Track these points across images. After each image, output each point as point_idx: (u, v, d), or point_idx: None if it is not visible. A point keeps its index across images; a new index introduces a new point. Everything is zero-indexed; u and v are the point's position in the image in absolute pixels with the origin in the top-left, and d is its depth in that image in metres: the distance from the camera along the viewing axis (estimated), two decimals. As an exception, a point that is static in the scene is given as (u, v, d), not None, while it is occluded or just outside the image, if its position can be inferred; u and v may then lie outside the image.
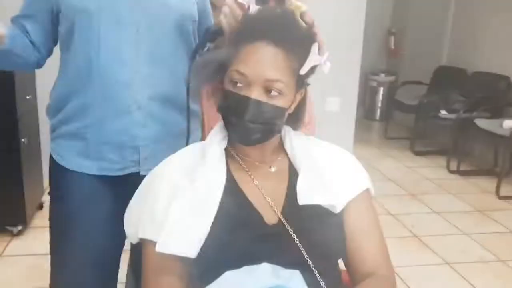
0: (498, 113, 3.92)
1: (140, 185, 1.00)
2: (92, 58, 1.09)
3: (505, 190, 3.44)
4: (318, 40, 0.91)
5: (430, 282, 2.32)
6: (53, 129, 1.21)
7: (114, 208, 1.14)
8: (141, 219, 0.93)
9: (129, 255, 1.34)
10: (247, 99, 0.87)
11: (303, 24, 0.91)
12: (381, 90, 5.69)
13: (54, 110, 1.19)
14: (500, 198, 3.39)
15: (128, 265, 1.41)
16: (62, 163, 1.19)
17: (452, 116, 4.00)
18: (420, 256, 2.56)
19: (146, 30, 1.10)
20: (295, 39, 0.89)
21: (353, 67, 3.70)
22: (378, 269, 0.93)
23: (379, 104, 5.75)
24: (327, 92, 3.65)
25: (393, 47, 5.72)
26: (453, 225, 2.94)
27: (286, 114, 0.94)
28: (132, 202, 0.99)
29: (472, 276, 2.36)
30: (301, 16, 0.92)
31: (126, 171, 1.17)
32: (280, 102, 0.89)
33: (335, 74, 3.80)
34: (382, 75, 5.70)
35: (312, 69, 0.92)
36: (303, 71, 0.90)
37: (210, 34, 1.06)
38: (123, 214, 0.99)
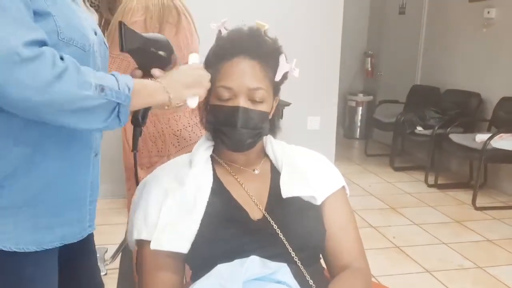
0: (470, 128, 4.10)
1: (134, 195, 1.08)
2: None
3: (480, 202, 3.58)
4: (283, 51, 1.05)
5: (412, 289, 2.41)
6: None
7: None
8: (135, 223, 1.01)
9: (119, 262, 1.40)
10: (236, 108, 0.97)
11: (269, 39, 1.04)
12: (360, 110, 5.87)
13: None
14: (477, 209, 3.52)
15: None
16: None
17: (428, 132, 4.17)
18: (402, 266, 2.64)
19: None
20: (266, 51, 1.02)
21: (332, 87, 3.85)
22: (354, 262, 1.02)
23: (359, 123, 5.91)
24: (308, 111, 3.80)
25: (369, 69, 5.93)
26: (433, 236, 3.04)
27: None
28: (130, 211, 1.08)
29: (452, 283, 2.45)
30: (265, 33, 1.05)
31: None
32: (263, 107, 1.01)
33: (315, 94, 4.00)
34: (361, 95, 5.88)
35: (285, 76, 1.04)
36: (277, 77, 1.02)
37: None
38: None
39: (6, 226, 0.86)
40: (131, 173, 1.53)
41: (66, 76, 0.77)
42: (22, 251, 0.87)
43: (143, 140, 1.46)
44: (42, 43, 0.78)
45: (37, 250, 0.89)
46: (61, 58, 0.78)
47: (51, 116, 0.79)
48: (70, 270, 1.05)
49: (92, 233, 1.09)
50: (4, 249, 0.85)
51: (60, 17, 0.85)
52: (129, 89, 0.85)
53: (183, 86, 0.95)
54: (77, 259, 1.06)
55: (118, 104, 0.83)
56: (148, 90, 0.91)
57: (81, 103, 0.79)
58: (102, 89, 0.81)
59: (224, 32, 1.05)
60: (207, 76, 0.98)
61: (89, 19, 0.99)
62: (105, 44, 1.05)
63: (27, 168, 0.87)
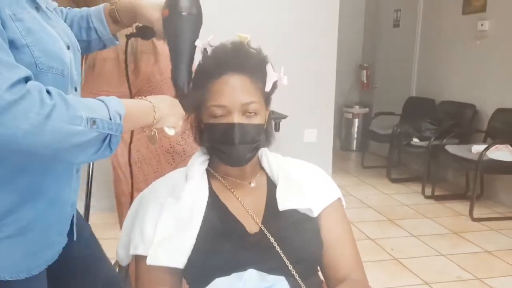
0: (466, 139, 4.12)
1: (129, 210, 1.08)
2: None
3: (477, 213, 3.58)
4: (269, 60, 1.04)
5: (411, 302, 2.39)
6: None
7: None
8: (132, 238, 1.00)
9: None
10: (232, 125, 0.97)
11: (253, 50, 1.04)
12: (356, 122, 5.89)
13: None
14: (474, 220, 3.52)
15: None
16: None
17: (424, 143, 4.18)
18: (401, 278, 2.63)
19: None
20: (253, 64, 1.01)
21: (328, 100, 3.88)
22: (352, 274, 1.01)
23: (355, 135, 5.94)
24: (305, 124, 3.81)
25: (365, 81, 5.97)
26: (431, 247, 3.03)
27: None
28: (123, 225, 1.08)
29: (451, 295, 2.45)
30: (248, 44, 1.05)
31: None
32: (257, 120, 1.01)
33: (312, 107, 4.02)
34: (357, 107, 5.92)
35: (274, 85, 1.04)
36: (267, 88, 1.02)
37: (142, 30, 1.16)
38: None
39: (0, 257, 0.86)
40: (125, 204, 1.48)
41: (56, 113, 0.73)
42: (15, 279, 0.87)
43: (137, 165, 1.44)
44: (27, 79, 0.73)
45: (27, 276, 0.89)
46: (48, 92, 0.74)
47: (42, 155, 0.76)
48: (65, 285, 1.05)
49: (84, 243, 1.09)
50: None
51: (37, 46, 0.81)
52: (120, 116, 0.81)
53: (168, 111, 0.93)
54: (67, 274, 1.05)
55: (110, 134, 0.80)
56: (138, 112, 0.88)
57: (74, 140, 0.75)
58: (94, 122, 0.77)
59: (209, 50, 1.04)
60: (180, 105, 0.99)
61: (61, 32, 0.94)
62: (78, 50, 1.01)
63: (21, 200, 0.86)
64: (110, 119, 0.80)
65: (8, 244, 0.86)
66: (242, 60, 1.00)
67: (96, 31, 1.12)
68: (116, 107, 0.82)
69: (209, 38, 1.05)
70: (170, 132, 0.96)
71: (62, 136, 0.74)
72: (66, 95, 0.77)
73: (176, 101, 0.98)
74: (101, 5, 1.13)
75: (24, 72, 0.73)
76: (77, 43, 1.02)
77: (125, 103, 0.85)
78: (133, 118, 0.87)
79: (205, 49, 1.04)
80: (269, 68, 1.02)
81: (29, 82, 0.73)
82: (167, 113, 0.93)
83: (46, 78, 0.82)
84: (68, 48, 0.93)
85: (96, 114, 0.78)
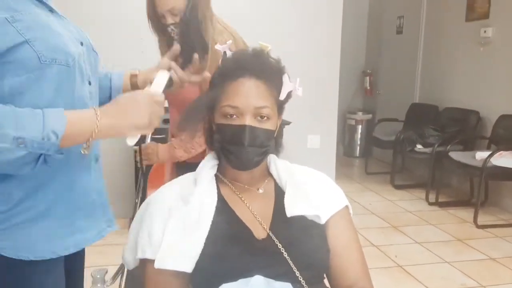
0: (470, 146, 4.12)
1: (136, 213, 1.08)
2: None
3: (482, 220, 3.57)
4: (286, 71, 1.06)
5: (416, 309, 2.38)
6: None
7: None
8: (139, 242, 1.00)
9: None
10: (243, 127, 0.99)
11: (272, 59, 1.06)
12: (360, 128, 5.90)
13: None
14: (478, 227, 3.51)
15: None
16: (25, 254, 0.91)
17: (428, 150, 4.18)
18: (405, 285, 2.62)
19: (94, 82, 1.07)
20: (271, 71, 1.03)
21: (331, 106, 3.89)
22: (358, 282, 1.01)
23: (358, 142, 5.94)
24: (308, 130, 3.81)
25: (368, 87, 5.98)
26: (435, 254, 3.02)
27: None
28: (130, 229, 1.08)
29: (456, 302, 2.44)
30: (268, 53, 1.07)
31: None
32: (268, 125, 1.02)
33: (315, 113, 4.02)
34: (360, 113, 5.92)
35: (289, 95, 1.05)
36: (282, 96, 1.03)
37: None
38: None
39: (21, 238, 0.90)
40: None
41: None
42: (40, 259, 0.92)
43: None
44: None
45: (53, 257, 0.93)
46: None
47: None
48: (72, 279, 1.10)
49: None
50: (22, 258, 0.90)
51: (38, 41, 0.84)
52: (57, 136, 0.81)
53: (128, 127, 0.93)
54: (77, 268, 1.11)
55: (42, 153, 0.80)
56: (81, 130, 0.87)
57: (1, 156, 0.76)
58: (22, 141, 0.77)
59: (229, 54, 1.07)
60: (159, 112, 0.98)
61: (74, 30, 0.98)
62: (94, 51, 1.05)
63: (37, 185, 0.90)
64: (42, 139, 0.79)
65: (30, 226, 0.90)
66: (261, 66, 1.03)
67: (110, 80, 1.20)
68: (54, 125, 0.81)
69: (228, 42, 1.08)
70: (131, 142, 0.96)
71: None
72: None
73: (151, 110, 0.96)
74: (123, 70, 1.25)
75: None
76: (92, 44, 1.06)
77: (70, 118, 0.84)
78: (74, 137, 0.85)
79: (224, 52, 1.07)
80: (285, 78, 1.04)
81: None
82: (124, 130, 0.93)
83: (51, 71, 0.86)
84: (82, 44, 0.98)
85: (26, 132, 0.78)
